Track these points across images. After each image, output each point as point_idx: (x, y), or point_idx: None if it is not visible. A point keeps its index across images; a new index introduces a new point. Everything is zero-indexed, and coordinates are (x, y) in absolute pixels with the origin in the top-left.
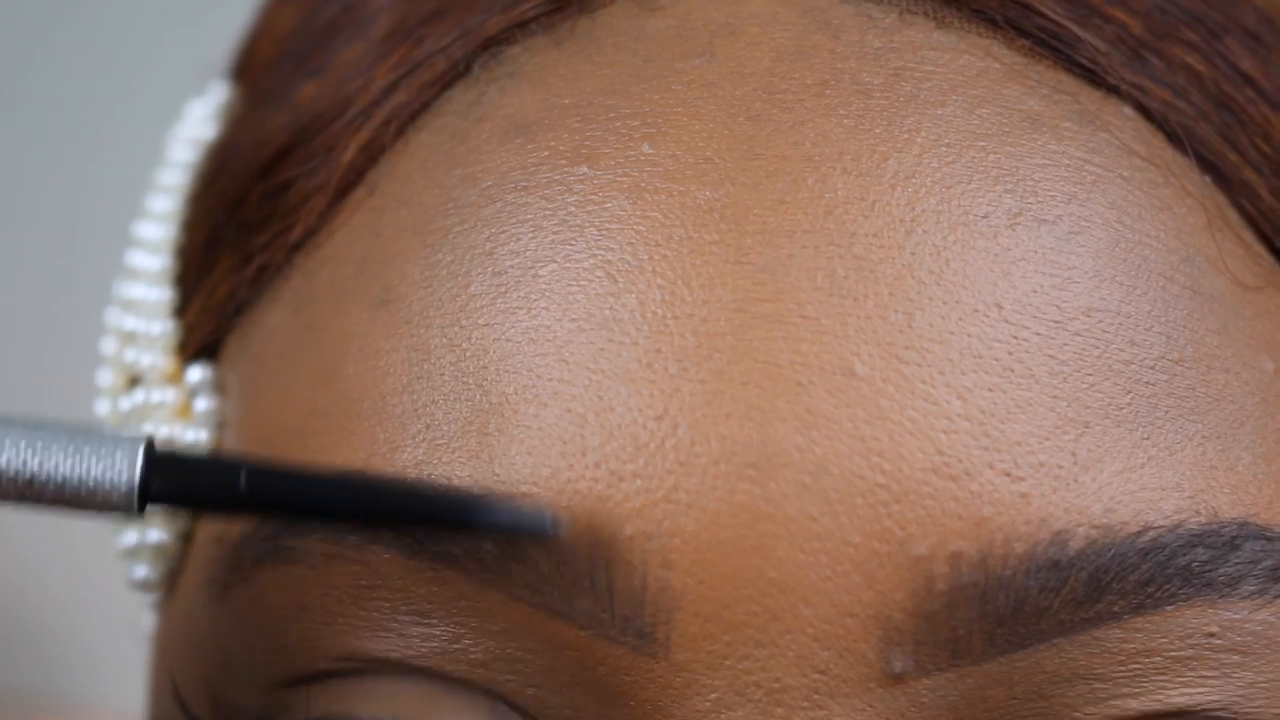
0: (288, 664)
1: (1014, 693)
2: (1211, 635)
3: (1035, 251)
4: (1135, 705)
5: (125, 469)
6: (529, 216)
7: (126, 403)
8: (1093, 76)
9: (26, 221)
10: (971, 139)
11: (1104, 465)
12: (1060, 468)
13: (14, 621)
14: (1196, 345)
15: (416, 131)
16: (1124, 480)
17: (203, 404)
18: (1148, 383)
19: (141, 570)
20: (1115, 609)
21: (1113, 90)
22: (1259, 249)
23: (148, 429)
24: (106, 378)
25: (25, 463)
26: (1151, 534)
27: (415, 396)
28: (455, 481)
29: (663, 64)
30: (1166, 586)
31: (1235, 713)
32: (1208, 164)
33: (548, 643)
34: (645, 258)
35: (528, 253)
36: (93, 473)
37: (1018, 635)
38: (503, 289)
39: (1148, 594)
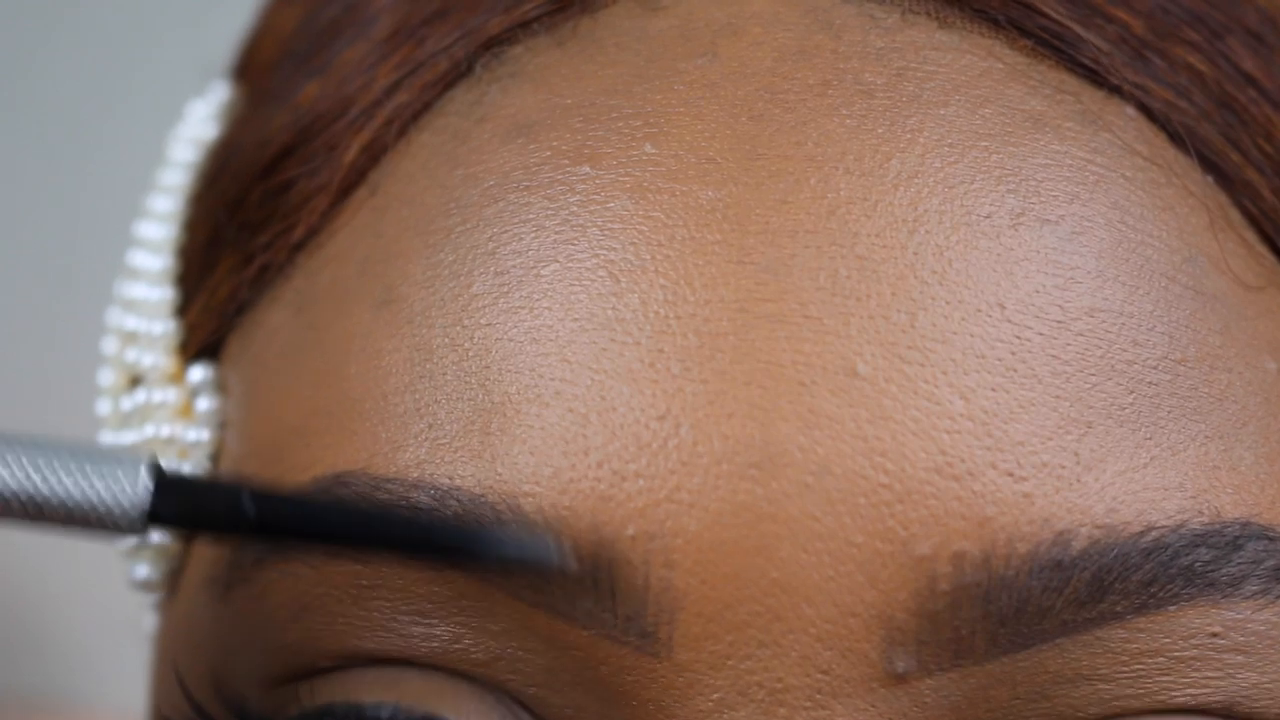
0: (290, 662)
1: (1016, 693)
2: (1214, 635)
3: (1038, 251)
4: (1138, 705)
5: (132, 491)
6: (531, 216)
7: (128, 402)
8: (1095, 76)
9: (27, 221)
10: (974, 139)
11: (1107, 465)
12: (1063, 468)
13: (14, 621)
14: (1199, 345)
15: (418, 131)
16: (1127, 480)
17: (204, 404)
18: (1150, 383)
19: (143, 570)
20: (1118, 609)
21: (1115, 90)
22: (1261, 249)
23: (149, 429)
24: (108, 377)
25: (31, 484)
26: (1154, 534)
27: (417, 396)
28: (458, 481)
29: (665, 64)
30: (1169, 586)
31: (1238, 713)
32: (1210, 164)
33: (549, 642)
34: (648, 257)
35: (530, 252)
36: (99, 495)
37: (1020, 635)
38: (505, 289)
39: (1150, 594)
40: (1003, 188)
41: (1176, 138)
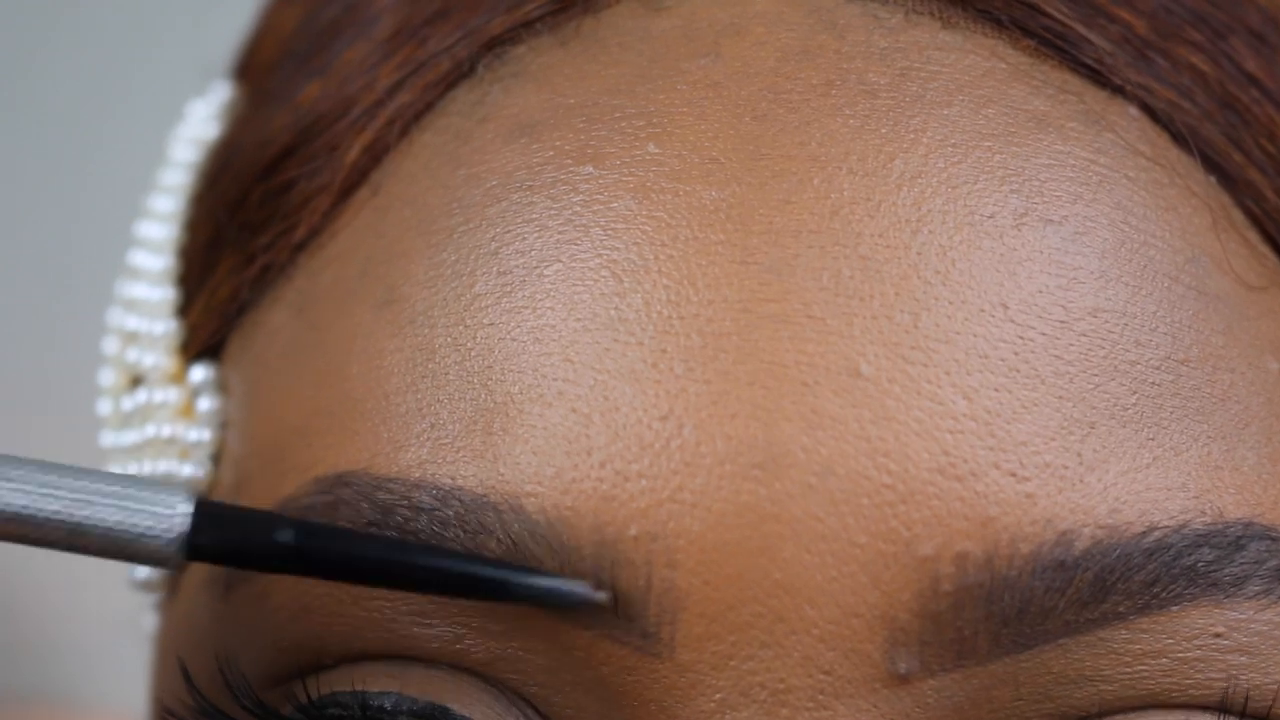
0: (293, 660)
1: (1019, 693)
2: (1218, 635)
3: (1041, 252)
4: (1141, 706)
5: (173, 522)
6: (534, 216)
7: (129, 402)
8: (1098, 76)
9: (27, 221)
10: (977, 139)
11: (1109, 465)
12: (1066, 468)
13: (14, 621)
14: (1202, 346)
15: (420, 131)
16: (1129, 480)
17: (205, 404)
18: (1153, 383)
19: (143, 570)
20: (1121, 609)
21: (1118, 90)
22: (1264, 249)
23: (150, 429)
24: (109, 377)
25: (72, 512)
26: (1157, 534)
27: (419, 396)
28: (460, 481)
29: (668, 64)
30: (1172, 587)
31: (1241, 713)
32: (1213, 164)
33: (551, 643)
34: (651, 257)
35: (533, 252)
36: (140, 524)
37: (1023, 636)
38: (507, 288)
39: (1153, 594)
40: (1006, 188)
41: (1179, 138)
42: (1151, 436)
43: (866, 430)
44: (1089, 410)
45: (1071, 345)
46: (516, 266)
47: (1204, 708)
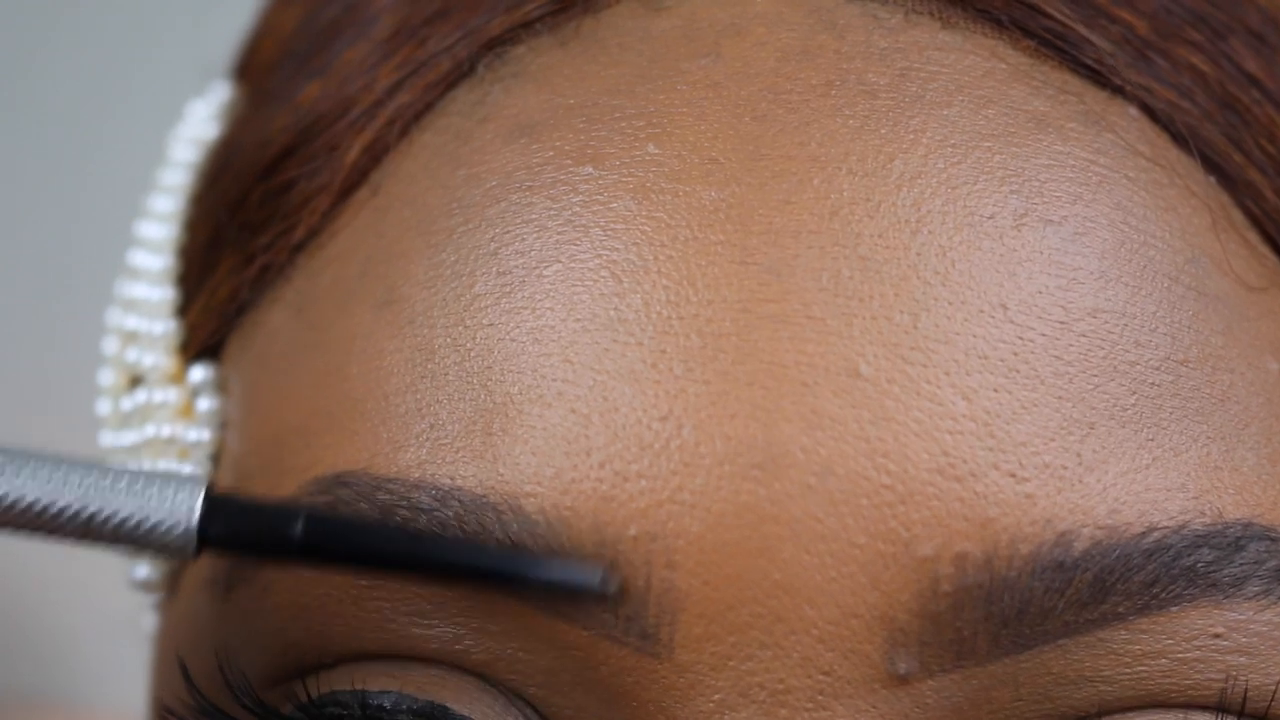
0: (293, 660)
1: (1019, 694)
2: (1217, 636)
3: (1041, 252)
4: (1140, 706)
5: (185, 512)
6: (534, 216)
7: (128, 402)
8: (1098, 77)
9: (27, 221)
10: (977, 139)
11: (1109, 466)
12: (1065, 469)
13: (14, 621)
14: (1201, 346)
15: (420, 132)
16: (1129, 481)
17: (205, 404)
18: (1153, 384)
19: (143, 570)
20: (1120, 610)
21: (1118, 91)
22: (1264, 250)
23: (149, 429)
24: (108, 377)
25: (84, 504)
26: (1156, 535)
27: (419, 396)
28: (459, 482)
29: (668, 64)
30: (1171, 587)
31: (1239, 712)
32: (1212, 165)
33: (550, 643)
34: (650, 258)
35: (532, 253)
36: (153, 515)
37: (1022, 636)
38: (507, 289)
39: (1153, 595)
40: (1006, 188)
41: (1179, 138)
42: (1151, 437)
43: (866, 431)
44: (1088, 411)
45: (1071, 346)
46: (516, 267)
47: (1202, 707)
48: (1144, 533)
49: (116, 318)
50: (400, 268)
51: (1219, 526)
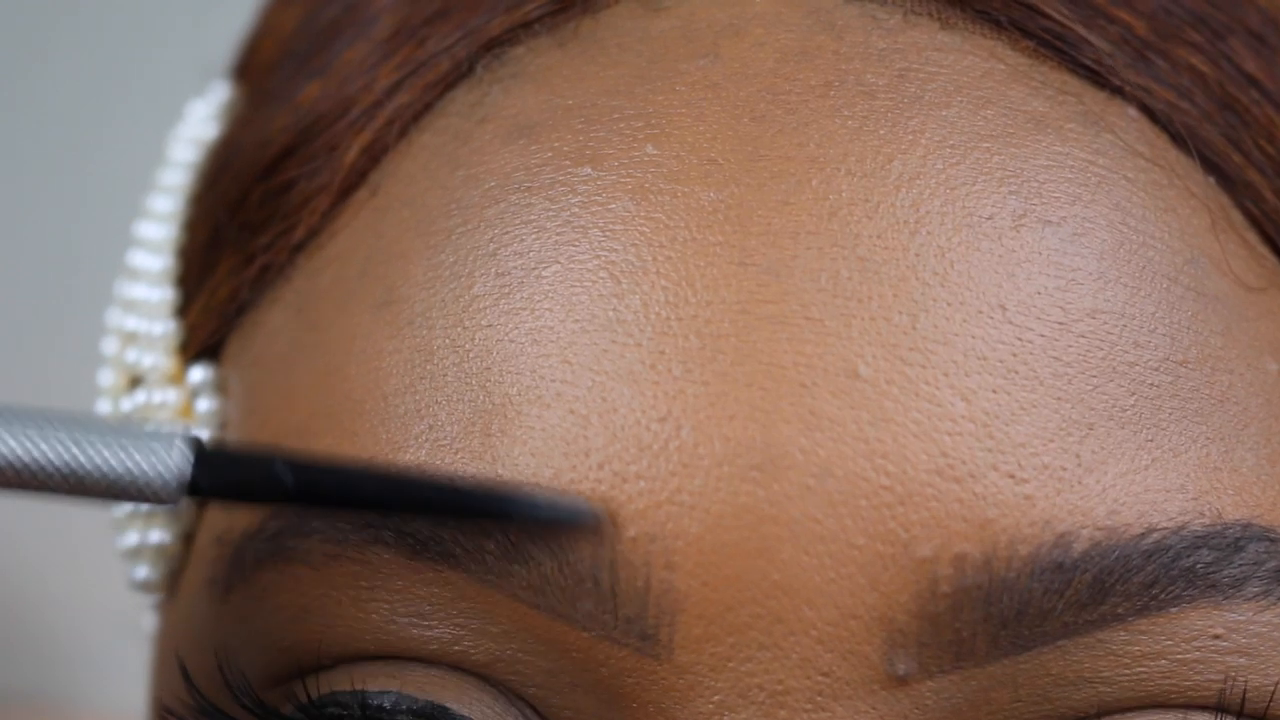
0: (292, 661)
1: (1018, 695)
2: (1217, 637)
3: (1040, 253)
4: (1139, 706)
5: (170, 462)
6: (532, 217)
7: (128, 403)
8: (1097, 78)
9: (27, 221)
10: (976, 140)
11: (1108, 467)
12: (1064, 469)
13: (14, 621)
14: (1200, 347)
15: (419, 132)
16: (1128, 482)
17: (204, 404)
18: (1152, 384)
19: (143, 571)
20: (1119, 611)
21: (1117, 91)
22: (1263, 250)
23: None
24: (108, 378)
25: (71, 457)
26: (1155, 536)
27: (418, 397)
28: None
29: (667, 65)
30: (1171, 588)
31: (1238, 713)
32: (1212, 165)
33: (550, 644)
34: (649, 259)
35: (531, 254)
36: (138, 466)
37: (1021, 637)
38: (506, 290)
39: (1152, 596)
40: (1005, 189)
41: (1178, 139)
42: (1150, 438)
43: (865, 432)
44: (1087, 412)
45: (1070, 346)
46: (515, 268)
47: (1202, 708)
48: (1143, 534)
49: (116, 318)
50: (399, 268)
51: (1218, 527)
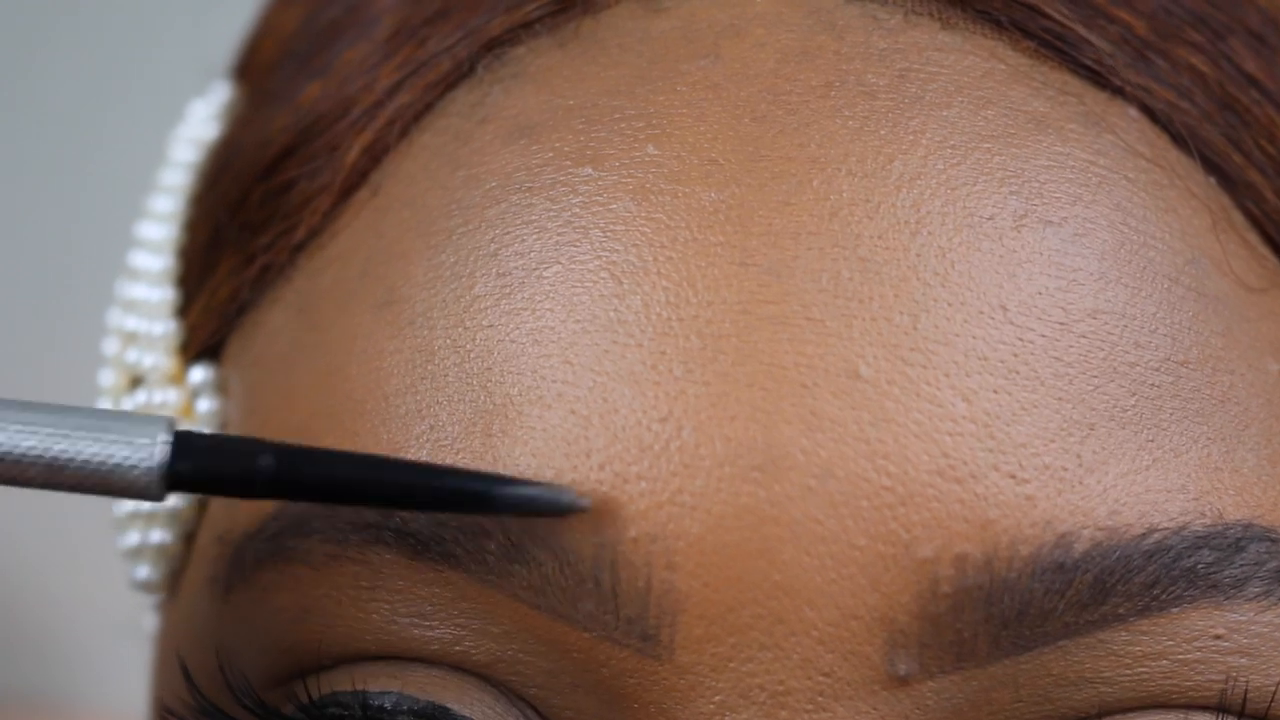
0: (293, 661)
1: (1019, 695)
2: (1218, 637)
3: (1041, 253)
4: (1140, 707)
5: (152, 451)
6: (533, 218)
7: (129, 403)
8: (1098, 78)
9: (27, 221)
10: (977, 140)
11: (1109, 467)
12: (1065, 470)
13: (14, 621)
14: (1201, 347)
15: (420, 132)
16: (1129, 482)
17: (205, 405)
18: (1153, 385)
19: (144, 571)
20: (1120, 611)
21: (1118, 92)
22: (1263, 251)
23: None
24: (108, 378)
25: (51, 447)
26: (1156, 536)
27: (419, 398)
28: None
29: (667, 65)
30: (1172, 589)
31: (1240, 713)
32: (1212, 165)
33: (550, 645)
34: (650, 259)
35: (532, 254)
36: (118, 456)
37: (1022, 638)
38: (507, 290)
39: (1153, 596)
40: (1005, 189)
41: (1179, 139)
42: (1151, 438)
43: (866, 432)
44: (1088, 412)
45: (1071, 347)
46: (515, 268)
47: (1203, 708)
48: (1144, 534)
49: (116, 318)
50: (400, 268)
51: (1219, 528)
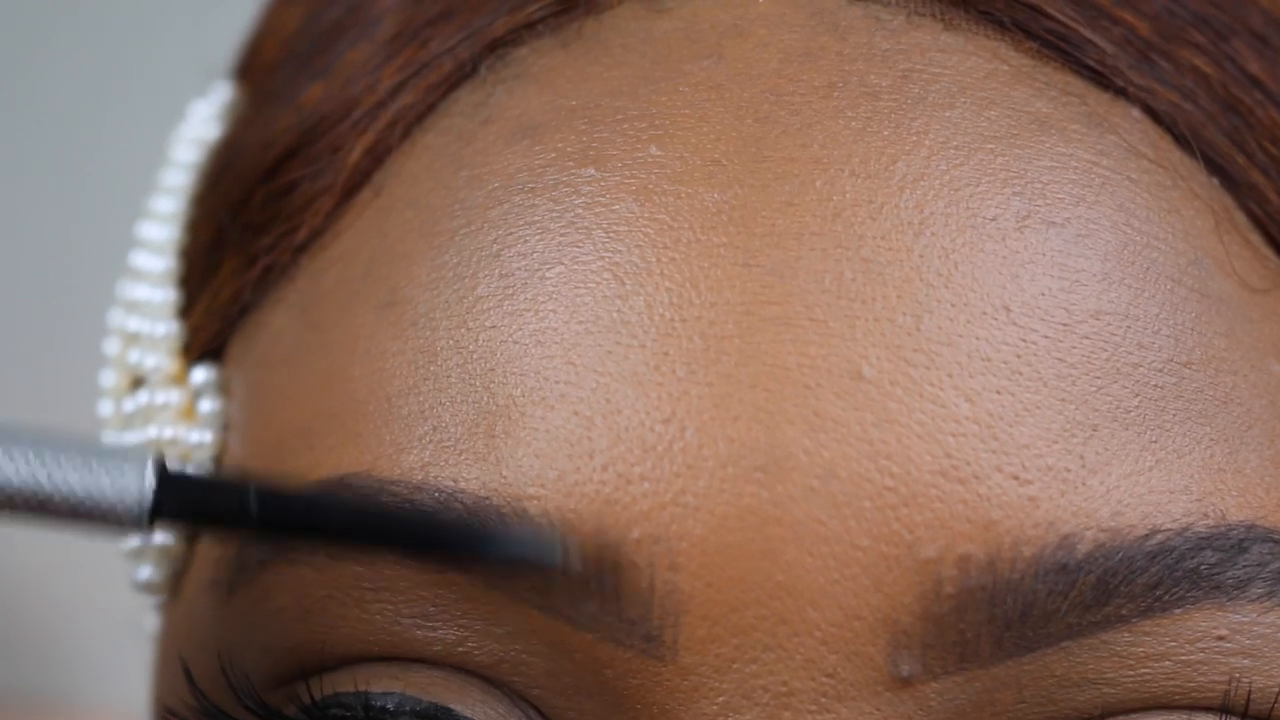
0: (295, 662)
1: (1022, 696)
2: (1221, 638)
3: (1043, 254)
4: (1143, 708)
5: (136, 486)
6: (536, 218)
7: (130, 404)
8: (1101, 78)
9: (28, 221)
10: (980, 141)
11: (1112, 468)
12: (1068, 471)
13: (14, 621)
14: (1204, 348)
15: (423, 133)
16: (1132, 483)
17: (207, 405)
18: (1156, 385)
19: (146, 572)
20: (1123, 612)
21: (1121, 92)
22: (1266, 252)
23: (151, 430)
24: (110, 379)
25: (36, 479)
26: (1159, 537)
27: (422, 398)
28: (462, 484)
29: (670, 66)
30: (1175, 589)
31: (1243, 714)
32: (1215, 166)
33: (554, 646)
34: (653, 260)
35: (535, 255)
36: (104, 490)
37: (1026, 639)
38: (510, 291)
39: (1156, 597)
40: (1008, 190)
41: (1182, 140)
42: (1154, 439)
43: (869, 433)
44: (1091, 413)
45: (1074, 348)
46: (518, 269)
47: (1206, 709)
48: (1147, 535)
49: (118, 319)
50: (403, 269)
51: (1222, 529)
